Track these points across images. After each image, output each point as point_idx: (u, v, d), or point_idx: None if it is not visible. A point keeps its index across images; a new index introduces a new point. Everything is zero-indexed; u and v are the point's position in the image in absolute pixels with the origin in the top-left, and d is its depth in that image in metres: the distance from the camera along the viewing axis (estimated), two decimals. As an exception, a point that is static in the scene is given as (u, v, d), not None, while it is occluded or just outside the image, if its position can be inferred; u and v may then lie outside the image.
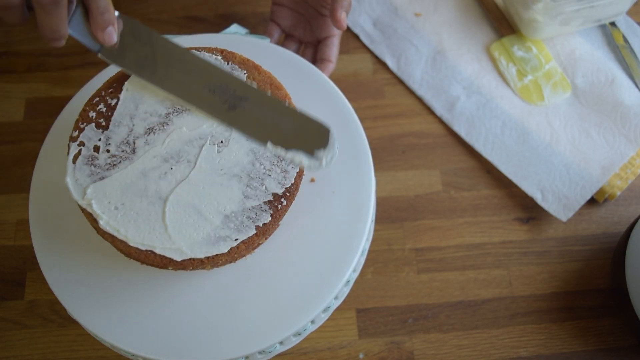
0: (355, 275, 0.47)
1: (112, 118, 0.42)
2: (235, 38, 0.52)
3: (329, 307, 0.44)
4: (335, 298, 0.44)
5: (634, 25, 0.69)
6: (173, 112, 0.42)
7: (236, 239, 0.39)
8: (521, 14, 0.65)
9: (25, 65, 0.66)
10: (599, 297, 0.56)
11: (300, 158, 0.39)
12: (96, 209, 0.39)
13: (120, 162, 0.40)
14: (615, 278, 0.54)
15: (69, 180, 0.40)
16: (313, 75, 0.50)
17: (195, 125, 0.42)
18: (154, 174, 0.40)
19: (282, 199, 0.40)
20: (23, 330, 0.53)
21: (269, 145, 0.38)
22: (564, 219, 0.58)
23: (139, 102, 0.42)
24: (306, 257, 0.44)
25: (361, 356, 0.53)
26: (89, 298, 0.42)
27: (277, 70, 0.47)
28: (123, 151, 0.41)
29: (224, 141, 0.41)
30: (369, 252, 0.57)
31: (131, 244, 0.39)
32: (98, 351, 0.53)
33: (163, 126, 0.42)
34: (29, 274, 0.55)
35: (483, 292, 0.56)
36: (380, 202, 0.60)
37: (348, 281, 0.45)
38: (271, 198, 0.40)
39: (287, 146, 0.38)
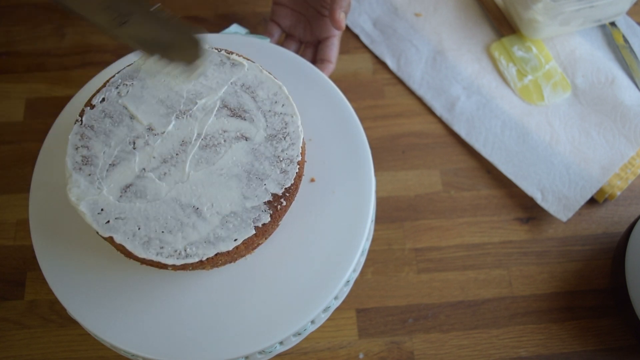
0: (356, 275, 0.47)
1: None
2: (235, 38, 0.52)
3: (329, 307, 0.44)
4: (335, 298, 0.44)
5: (634, 25, 0.69)
6: (173, 113, 0.42)
7: (236, 239, 0.39)
8: (521, 14, 0.65)
9: (25, 65, 0.66)
10: (599, 297, 0.56)
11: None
12: (88, 213, 0.39)
13: (120, 162, 0.40)
14: (615, 278, 0.54)
15: (68, 183, 0.40)
16: (313, 75, 0.50)
17: (195, 126, 0.42)
18: (154, 174, 0.40)
19: (282, 200, 0.40)
20: (23, 330, 0.53)
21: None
22: (564, 219, 0.58)
23: (139, 102, 0.42)
24: (306, 257, 0.44)
25: (361, 356, 0.53)
26: (89, 298, 0.42)
27: (277, 70, 0.47)
28: (122, 151, 0.41)
29: (224, 142, 0.41)
30: (369, 252, 0.57)
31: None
32: (98, 351, 0.53)
33: (163, 127, 0.42)
34: (29, 274, 0.55)
35: (483, 292, 0.56)
36: (380, 202, 0.60)
37: (348, 281, 0.45)
38: (271, 198, 0.40)
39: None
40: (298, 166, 0.41)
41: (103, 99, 0.43)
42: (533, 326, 0.55)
